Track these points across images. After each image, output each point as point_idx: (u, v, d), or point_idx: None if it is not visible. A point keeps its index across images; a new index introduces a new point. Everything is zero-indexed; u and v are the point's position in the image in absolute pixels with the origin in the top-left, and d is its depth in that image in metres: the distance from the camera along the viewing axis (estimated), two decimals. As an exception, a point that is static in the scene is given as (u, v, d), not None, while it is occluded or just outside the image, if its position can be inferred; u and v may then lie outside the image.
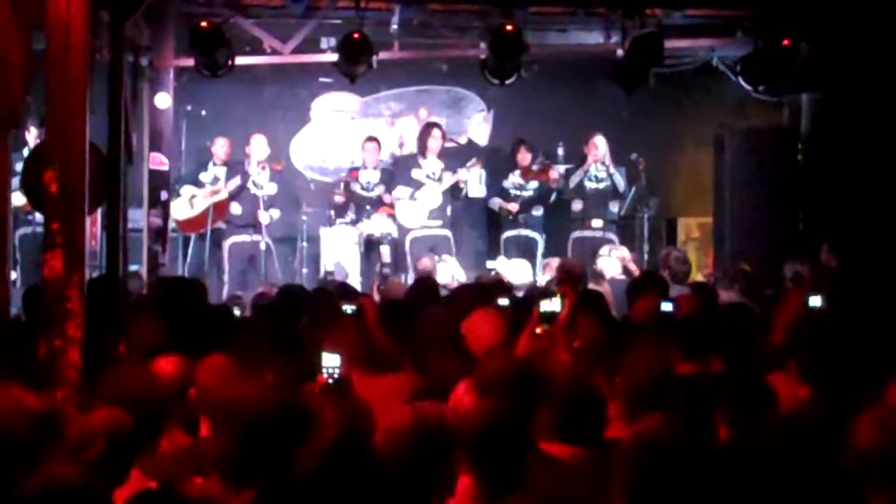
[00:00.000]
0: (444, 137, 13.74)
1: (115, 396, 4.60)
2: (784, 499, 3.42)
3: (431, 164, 13.51)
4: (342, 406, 4.66)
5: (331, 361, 5.17)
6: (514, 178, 13.67)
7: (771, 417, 4.42)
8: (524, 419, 4.20)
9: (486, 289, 8.87)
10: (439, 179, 13.38)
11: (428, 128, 13.93)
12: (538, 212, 13.72)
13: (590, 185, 13.44)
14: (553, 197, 13.68)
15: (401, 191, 13.46)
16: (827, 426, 4.02)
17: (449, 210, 13.54)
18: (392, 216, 13.38)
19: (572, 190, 13.49)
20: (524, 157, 13.71)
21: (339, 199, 13.59)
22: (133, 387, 4.69)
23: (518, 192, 13.66)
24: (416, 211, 13.33)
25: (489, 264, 13.02)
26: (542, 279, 11.75)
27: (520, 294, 9.46)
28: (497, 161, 14.56)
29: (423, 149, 13.69)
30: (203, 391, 5.15)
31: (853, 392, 4.59)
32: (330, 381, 5.13)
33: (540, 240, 13.63)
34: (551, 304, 6.65)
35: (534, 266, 12.84)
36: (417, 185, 13.41)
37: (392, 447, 3.76)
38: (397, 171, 13.95)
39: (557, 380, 4.86)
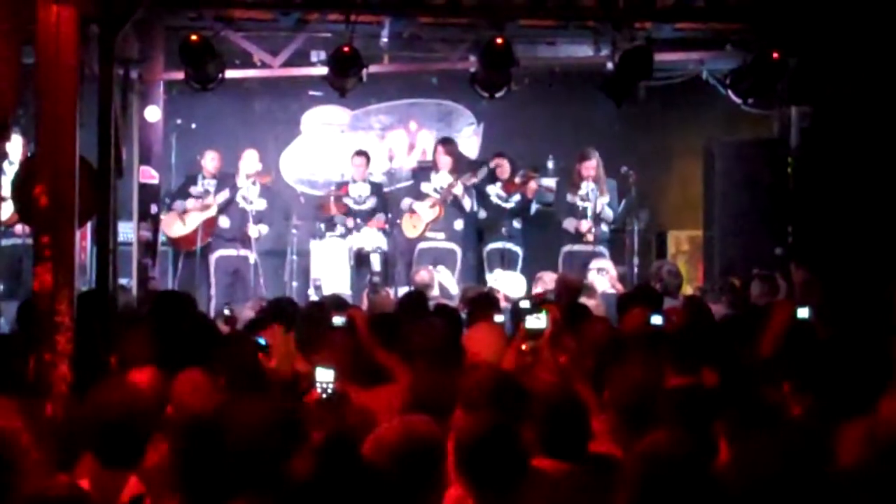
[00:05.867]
0: (452, 153, 13.76)
1: (101, 410, 4.58)
2: None
3: (441, 179, 13.57)
4: (336, 419, 4.66)
5: (325, 376, 5.17)
6: (496, 190, 13.67)
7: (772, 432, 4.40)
8: (517, 432, 4.19)
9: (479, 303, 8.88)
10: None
11: (437, 143, 14.03)
12: (519, 224, 13.72)
13: (582, 203, 13.38)
14: (533, 209, 13.69)
15: (406, 202, 13.60)
16: (824, 441, 4.02)
17: (459, 224, 13.61)
18: (382, 230, 13.43)
19: (563, 210, 13.44)
20: (503, 170, 13.71)
21: (330, 212, 13.61)
22: (118, 400, 4.66)
23: (501, 204, 13.67)
24: (416, 222, 13.41)
25: (486, 277, 13.03)
26: (534, 292, 11.75)
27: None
28: (488, 175, 14.57)
29: (435, 163, 13.78)
30: (179, 406, 5.14)
31: (850, 406, 4.59)
32: (324, 395, 5.13)
33: (520, 252, 13.64)
34: (537, 321, 6.63)
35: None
36: (423, 198, 13.49)
37: (380, 459, 3.76)
38: (412, 182, 14.19)
39: (541, 394, 4.85)
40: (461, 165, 13.95)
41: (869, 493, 3.55)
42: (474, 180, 13.64)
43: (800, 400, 4.95)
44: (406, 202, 13.63)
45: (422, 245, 13.47)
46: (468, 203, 13.56)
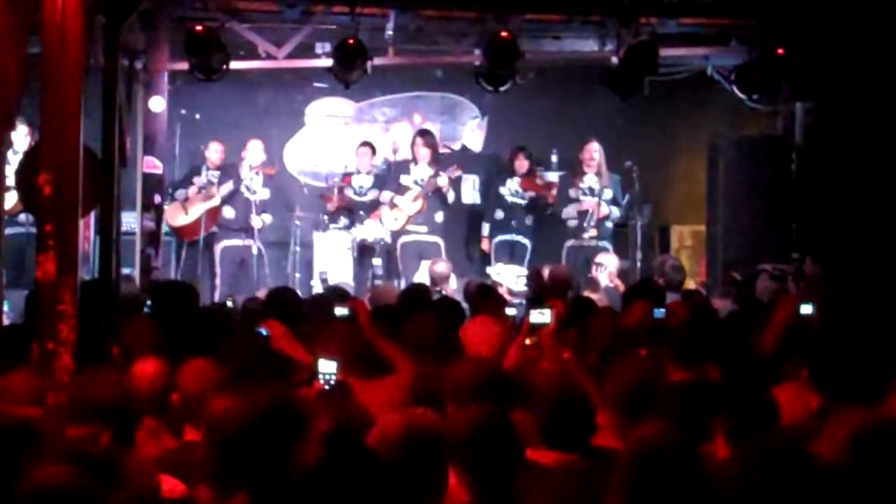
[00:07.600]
0: (431, 145, 13.75)
1: (85, 401, 4.59)
2: None
3: (420, 171, 13.55)
4: (338, 410, 4.66)
5: (327, 368, 5.18)
6: (511, 185, 13.67)
7: (773, 428, 4.40)
8: (510, 422, 4.18)
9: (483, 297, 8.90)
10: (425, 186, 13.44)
11: (416, 135, 14.01)
12: (530, 221, 13.73)
13: (584, 199, 13.39)
14: (549, 210, 13.67)
15: (386, 195, 13.55)
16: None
17: (440, 216, 13.56)
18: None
19: (563, 202, 13.45)
20: (522, 164, 13.72)
21: (331, 205, 13.62)
22: (102, 391, 4.65)
23: (514, 199, 13.67)
24: (397, 215, 13.39)
25: (487, 270, 13.03)
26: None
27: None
28: (491, 167, 14.58)
29: (414, 155, 13.76)
30: (185, 395, 5.15)
31: (863, 399, 4.59)
32: (327, 387, 5.14)
33: (529, 246, 13.64)
34: (541, 315, 6.64)
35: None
36: (404, 191, 13.47)
37: (383, 451, 3.76)
38: (390, 176, 14.02)
39: (543, 385, 4.85)
40: (440, 157, 13.94)
41: (855, 486, 3.54)
42: (458, 173, 13.64)
43: (817, 390, 4.92)
44: (386, 195, 13.58)
45: (404, 239, 13.43)
46: (452, 196, 13.54)
